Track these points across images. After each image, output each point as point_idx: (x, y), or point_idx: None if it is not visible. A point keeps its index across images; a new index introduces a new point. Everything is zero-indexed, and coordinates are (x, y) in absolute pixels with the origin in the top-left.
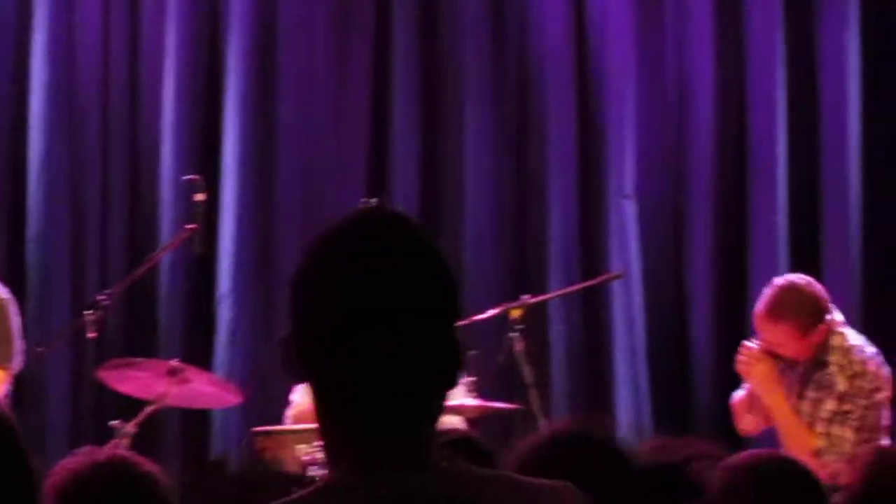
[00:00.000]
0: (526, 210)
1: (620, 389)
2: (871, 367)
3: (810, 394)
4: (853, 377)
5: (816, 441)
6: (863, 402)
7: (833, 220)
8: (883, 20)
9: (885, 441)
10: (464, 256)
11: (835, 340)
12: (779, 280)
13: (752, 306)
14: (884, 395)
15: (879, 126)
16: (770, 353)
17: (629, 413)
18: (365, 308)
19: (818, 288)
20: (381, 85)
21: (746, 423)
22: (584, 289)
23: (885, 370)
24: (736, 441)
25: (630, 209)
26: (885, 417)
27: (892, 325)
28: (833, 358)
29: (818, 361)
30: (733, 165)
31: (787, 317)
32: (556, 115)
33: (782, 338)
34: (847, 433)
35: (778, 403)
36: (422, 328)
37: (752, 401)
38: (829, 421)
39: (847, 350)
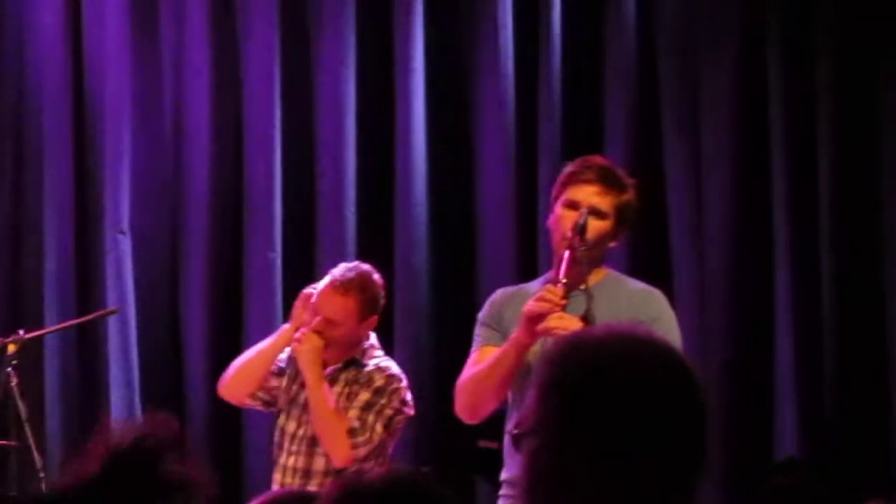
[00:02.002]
0: (21, 243)
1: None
2: (404, 384)
3: (339, 388)
4: (391, 378)
5: (349, 423)
6: (395, 405)
7: (328, 258)
8: (377, 56)
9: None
10: None
11: (372, 351)
12: (349, 264)
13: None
14: (403, 417)
15: (371, 159)
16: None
17: None
18: None
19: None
20: None
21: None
22: (80, 324)
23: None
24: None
25: (126, 245)
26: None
27: None
28: (371, 361)
29: (353, 361)
30: (230, 202)
31: (354, 293)
32: (52, 149)
33: (343, 314)
34: (378, 426)
35: (318, 383)
36: None
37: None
38: (363, 409)
39: (384, 361)
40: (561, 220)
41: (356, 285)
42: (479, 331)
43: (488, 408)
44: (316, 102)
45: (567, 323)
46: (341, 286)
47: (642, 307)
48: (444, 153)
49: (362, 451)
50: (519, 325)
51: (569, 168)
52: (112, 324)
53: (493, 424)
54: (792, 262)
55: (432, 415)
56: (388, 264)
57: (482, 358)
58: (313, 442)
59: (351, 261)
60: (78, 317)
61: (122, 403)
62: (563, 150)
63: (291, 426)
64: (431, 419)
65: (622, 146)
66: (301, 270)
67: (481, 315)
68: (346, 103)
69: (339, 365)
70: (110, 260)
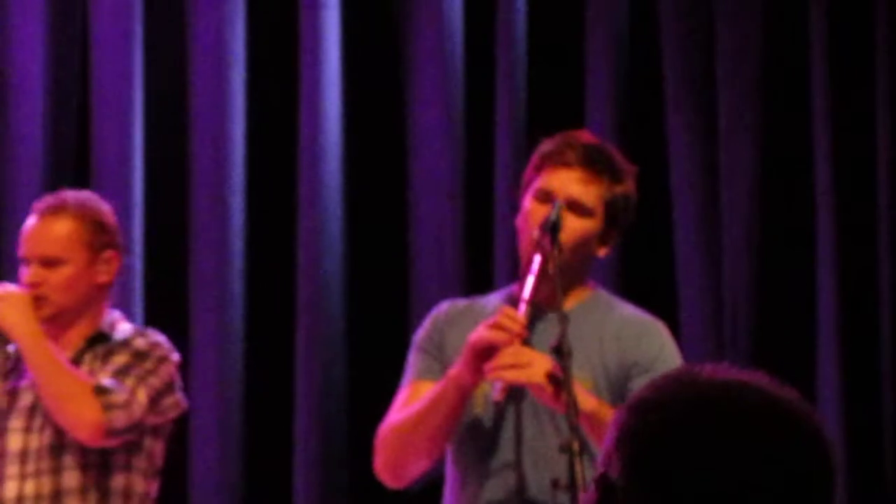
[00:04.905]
0: None
1: None
2: (176, 359)
3: (85, 369)
4: (158, 344)
5: (96, 382)
6: (165, 378)
7: (205, 261)
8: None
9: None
10: None
11: (122, 323)
12: None
13: None
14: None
15: (266, 128)
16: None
17: None
18: None
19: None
20: None
21: None
22: None
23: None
24: None
25: None
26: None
27: None
28: (123, 329)
29: (99, 337)
30: (70, 184)
31: (69, 212)
32: None
33: (63, 244)
34: (141, 395)
35: (34, 337)
36: None
37: None
38: (119, 372)
39: (145, 330)
40: (530, 216)
41: (70, 203)
42: (412, 358)
43: (417, 467)
44: (190, 52)
45: (525, 360)
46: (48, 209)
47: (636, 342)
48: (365, 119)
49: (120, 419)
50: (462, 357)
51: (545, 146)
52: None
53: (428, 492)
54: (839, 281)
55: (346, 477)
56: (288, 271)
57: (414, 397)
58: (57, 451)
59: (237, 266)
60: None
61: None
62: (527, 120)
63: (15, 443)
64: (345, 484)
65: (607, 119)
66: (169, 277)
67: (417, 336)
68: (231, 53)
69: (82, 345)
70: None
